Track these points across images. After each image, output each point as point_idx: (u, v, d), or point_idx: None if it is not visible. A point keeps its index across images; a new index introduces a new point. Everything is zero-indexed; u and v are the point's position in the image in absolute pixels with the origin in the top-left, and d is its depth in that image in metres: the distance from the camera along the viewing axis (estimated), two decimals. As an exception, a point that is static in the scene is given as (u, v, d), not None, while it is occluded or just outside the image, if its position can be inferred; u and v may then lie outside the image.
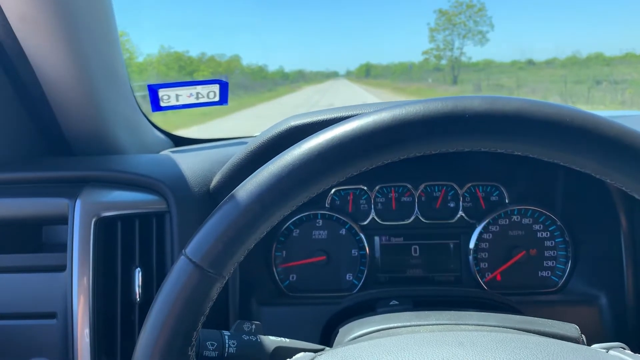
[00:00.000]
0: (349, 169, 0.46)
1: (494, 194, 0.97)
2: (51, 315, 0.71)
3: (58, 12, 0.73)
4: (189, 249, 0.46)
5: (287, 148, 0.47)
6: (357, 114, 0.51)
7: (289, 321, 0.89)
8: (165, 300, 0.46)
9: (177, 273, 0.46)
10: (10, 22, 0.72)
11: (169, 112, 1.01)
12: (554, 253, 0.94)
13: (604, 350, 0.55)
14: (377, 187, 0.98)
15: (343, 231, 0.97)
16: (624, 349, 0.60)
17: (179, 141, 1.23)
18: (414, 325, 0.65)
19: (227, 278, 0.47)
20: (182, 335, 0.46)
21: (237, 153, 0.81)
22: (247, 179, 0.47)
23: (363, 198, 0.98)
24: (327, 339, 0.82)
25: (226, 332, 0.61)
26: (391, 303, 0.78)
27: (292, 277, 0.96)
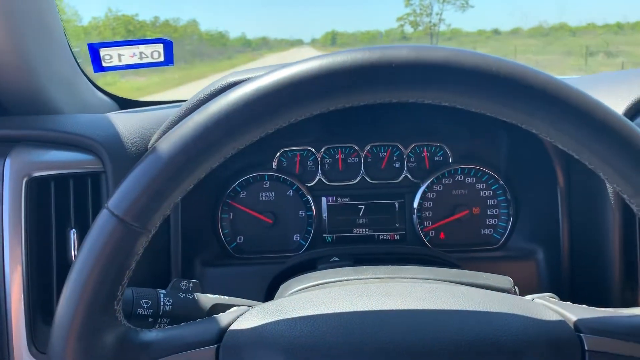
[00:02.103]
0: (276, 119, 0.44)
1: (438, 154, 0.98)
2: None
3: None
4: (111, 202, 0.44)
5: None
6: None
7: (234, 282, 0.89)
8: (88, 254, 0.44)
9: (100, 227, 0.44)
10: None
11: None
12: (496, 211, 0.96)
13: (529, 297, 0.57)
14: (323, 148, 0.98)
15: (290, 192, 0.97)
16: (553, 296, 0.62)
17: (125, 104, 1.20)
18: (350, 280, 0.65)
19: (152, 232, 0.46)
20: (106, 290, 0.45)
21: (175, 111, 0.79)
22: (173, 129, 0.46)
23: (310, 159, 0.98)
24: (271, 298, 0.82)
25: (161, 291, 0.61)
26: (332, 260, 0.79)
27: (240, 239, 0.96)
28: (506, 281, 0.68)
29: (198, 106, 0.76)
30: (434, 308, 0.50)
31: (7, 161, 0.70)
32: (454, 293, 0.53)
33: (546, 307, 0.52)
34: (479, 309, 0.50)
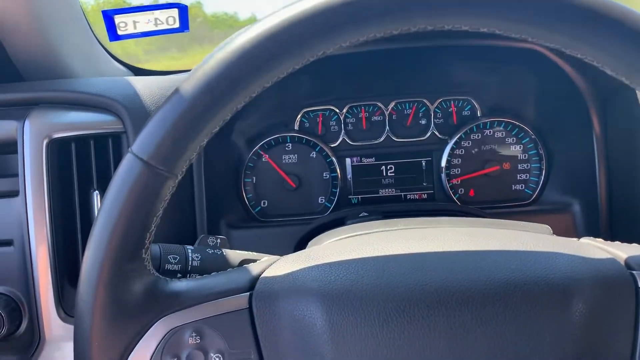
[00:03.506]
0: (304, 52, 0.41)
1: (466, 108, 0.94)
2: (7, 243, 0.68)
3: None
4: (136, 146, 0.42)
5: None
6: None
7: (260, 243, 0.87)
8: (114, 200, 0.42)
9: (125, 171, 0.42)
10: None
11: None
12: (527, 166, 0.93)
13: (574, 239, 0.54)
14: (346, 107, 0.95)
15: (314, 154, 0.95)
16: None
17: (140, 73, 1.18)
18: (382, 231, 0.63)
19: (179, 177, 0.43)
20: (133, 236, 0.43)
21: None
22: (195, 67, 0.43)
23: (333, 119, 0.95)
24: None
25: (189, 247, 0.59)
26: (360, 215, 0.77)
27: (264, 203, 0.94)
28: (545, 229, 0.66)
29: None
30: (474, 249, 0.48)
31: (27, 123, 0.68)
32: (495, 235, 0.50)
33: (594, 246, 0.49)
34: (523, 249, 0.47)
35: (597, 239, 0.53)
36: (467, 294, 0.43)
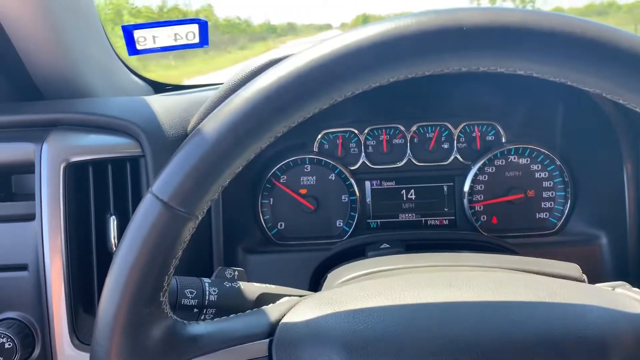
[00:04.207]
0: (332, 93, 0.40)
1: (490, 134, 0.92)
2: (22, 268, 0.67)
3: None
4: (156, 186, 0.41)
5: None
6: None
7: (277, 269, 0.85)
8: (132, 242, 0.41)
9: (144, 213, 0.41)
10: None
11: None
12: (552, 194, 0.90)
13: (610, 288, 0.52)
14: (367, 129, 0.93)
15: (332, 176, 0.93)
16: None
17: (159, 88, 1.17)
18: (405, 268, 0.61)
19: (200, 218, 0.42)
20: (151, 280, 0.41)
21: (215, 92, 0.75)
22: (219, 107, 0.42)
23: (353, 141, 0.94)
24: (316, 286, 0.79)
25: (206, 280, 0.58)
26: (382, 246, 0.75)
27: (281, 225, 0.92)
28: (574, 269, 0.63)
29: (237, 87, 0.72)
30: (504, 299, 0.46)
31: (45, 146, 0.67)
32: (525, 282, 0.48)
33: (631, 297, 0.47)
34: (556, 300, 0.45)
35: (634, 289, 0.50)
36: (499, 350, 0.41)
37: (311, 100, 0.40)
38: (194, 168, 0.40)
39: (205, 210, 0.42)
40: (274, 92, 0.39)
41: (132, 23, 0.94)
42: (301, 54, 0.40)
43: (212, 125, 0.40)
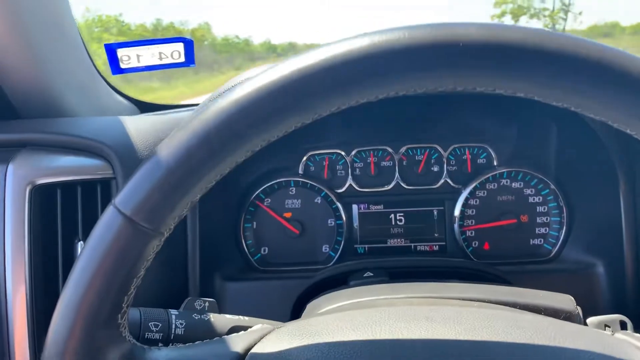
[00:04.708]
0: (317, 107, 0.36)
1: (481, 156, 0.89)
2: None
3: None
4: (119, 198, 0.37)
5: None
6: None
7: (257, 298, 0.81)
8: (90, 257, 0.37)
9: (105, 226, 0.37)
10: None
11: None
12: (546, 219, 0.87)
13: (609, 332, 0.48)
14: (354, 151, 0.90)
15: (318, 199, 0.90)
16: (625, 322, 0.54)
17: (145, 107, 1.15)
18: (385, 299, 0.57)
19: (165, 235, 0.38)
20: (110, 299, 0.37)
21: (191, 112, 0.72)
22: (191, 116, 0.38)
23: (340, 163, 0.90)
24: (297, 316, 0.75)
25: (173, 311, 0.54)
26: (365, 275, 0.71)
27: (264, 250, 0.89)
28: (568, 301, 0.59)
29: None
30: (489, 339, 0.42)
31: (10, 167, 0.64)
32: (514, 321, 0.44)
33: (631, 344, 0.43)
34: (548, 344, 0.41)
35: (635, 334, 0.47)
36: None
37: (292, 113, 0.36)
38: (161, 180, 0.37)
39: (172, 228, 0.39)
40: (252, 102, 0.36)
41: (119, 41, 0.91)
42: (284, 64, 0.36)
43: (183, 135, 0.37)
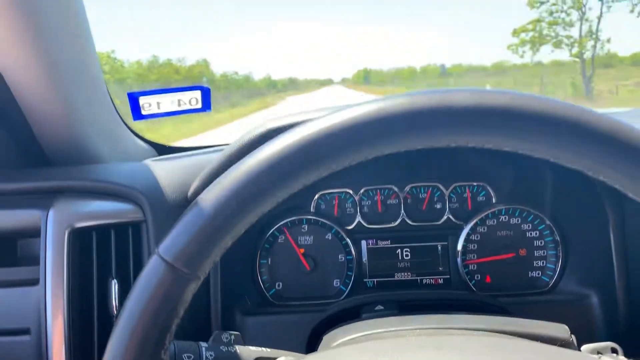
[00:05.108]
0: (332, 164, 0.44)
1: (481, 194, 0.95)
2: (24, 332, 0.69)
3: (31, 28, 0.71)
4: (162, 247, 0.44)
5: None
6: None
7: (275, 331, 0.86)
8: (137, 301, 0.43)
9: (149, 273, 0.44)
10: None
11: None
12: (543, 253, 0.92)
13: (596, 356, 0.53)
14: (362, 190, 0.96)
15: (329, 236, 0.95)
16: (616, 349, 0.59)
17: (163, 150, 1.21)
18: (397, 330, 0.63)
19: (202, 279, 0.45)
20: (154, 338, 0.43)
21: (214, 159, 0.79)
22: (224, 173, 0.45)
23: (348, 201, 0.96)
24: (313, 348, 0.80)
25: (203, 344, 0.59)
26: (376, 308, 0.76)
27: (278, 285, 0.94)
28: (562, 330, 0.65)
29: (239, 153, 0.76)
30: None
31: (51, 213, 0.70)
32: (515, 347, 0.50)
33: None
34: None
35: (620, 357, 0.52)
36: None
37: (312, 170, 0.44)
38: (199, 231, 0.43)
39: (207, 272, 0.45)
40: (277, 162, 0.43)
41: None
42: (303, 127, 0.44)
43: (217, 191, 0.44)
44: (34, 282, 0.69)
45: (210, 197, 0.44)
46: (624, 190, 0.43)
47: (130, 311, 0.43)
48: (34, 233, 0.72)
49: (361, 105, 0.44)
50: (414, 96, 0.43)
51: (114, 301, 0.71)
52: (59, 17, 0.77)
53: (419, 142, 0.44)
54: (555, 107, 0.42)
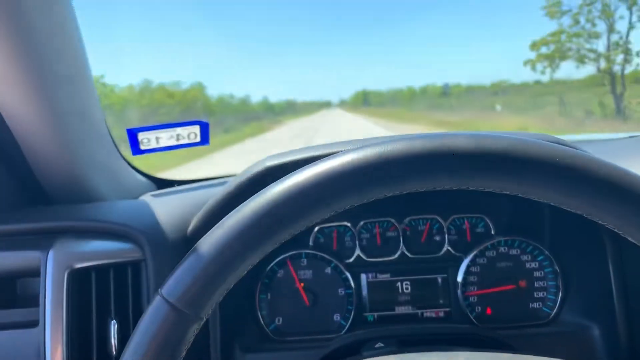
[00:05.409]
0: (330, 207, 0.44)
1: (480, 226, 0.95)
2: None
3: (29, 67, 0.72)
4: (165, 288, 0.44)
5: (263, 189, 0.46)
6: (336, 152, 0.50)
7: None
8: (140, 341, 0.44)
9: (153, 314, 0.44)
10: None
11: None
12: (544, 284, 0.92)
13: None
14: (361, 223, 0.96)
15: (328, 270, 0.95)
16: None
17: (161, 183, 1.22)
18: None
19: (204, 319, 0.45)
20: None
21: (213, 196, 0.79)
22: (227, 216, 0.46)
23: (347, 235, 0.97)
24: None
25: None
26: (376, 346, 0.76)
27: (278, 321, 0.94)
28: None
29: (236, 192, 0.76)
30: None
31: (51, 254, 0.70)
32: None
33: None
34: None
35: None
36: None
37: (314, 212, 0.44)
38: (201, 273, 0.44)
39: (209, 312, 0.45)
40: (279, 205, 0.44)
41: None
42: (305, 170, 0.45)
43: (219, 234, 0.44)
44: (33, 323, 0.69)
45: (212, 240, 0.44)
46: (622, 234, 0.44)
47: (133, 351, 0.44)
48: (33, 273, 0.72)
49: (362, 149, 0.45)
50: (413, 140, 0.45)
51: (113, 341, 0.71)
52: (60, 58, 0.79)
53: (420, 185, 0.45)
54: (551, 152, 0.43)
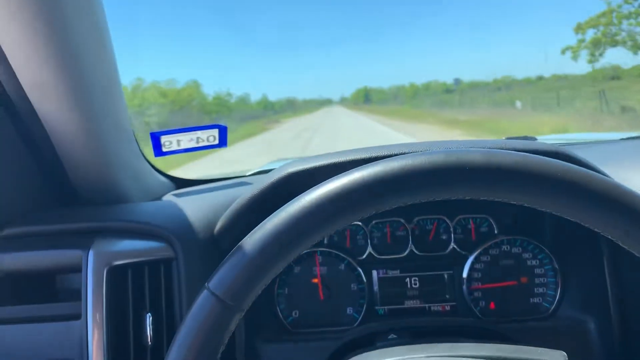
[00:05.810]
0: (360, 212, 0.51)
1: (484, 225, 1.02)
2: None
3: (69, 77, 0.78)
4: (212, 283, 0.51)
5: (285, 194, 0.52)
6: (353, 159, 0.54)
7: (293, 357, 0.92)
8: (189, 330, 0.50)
9: (200, 305, 0.50)
10: (25, 89, 0.78)
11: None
12: (544, 280, 0.98)
13: None
14: (372, 223, 1.03)
15: (342, 266, 1.02)
16: None
17: (180, 183, 1.28)
18: (410, 359, 0.68)
19: (245, 310, 0.52)
20: None
21: (238, 199, 0.85)
22: (267, 219, 0.52)
23: (360, 234, 1.03)
24: None
25: None
26: (389, 337, 0.82)
27: (295, 314, 1.00)
28: (560, 356, 0.70)
29: (260, 196, 0.83)
30: None
31: (91, 252, 0.77)
32: None
33: None
34: None
35: None
36: None
37: (345, 217, 0.51)
38: (244, 270, 0.50)
39: (250, 304, 0.52)
40: (313, 211, 0.50)
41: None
42: (340, 177, 0.52)
43: (260, 234, 0.51)
44: (76, 316, 0.75)
45: (255, 240, 0.51)
46: (622, 245, 0.50)
47: (182, 339, 0.50)
48: (73, 269, 0.78)
49: (392, 160, 0.52)
50: (432, 155, 0.51)
51: (149, 332, 0.77)
52: (96, 68, 0.85)
53: (436, 195, 0.52)
54: (556, 168, 0.50)
